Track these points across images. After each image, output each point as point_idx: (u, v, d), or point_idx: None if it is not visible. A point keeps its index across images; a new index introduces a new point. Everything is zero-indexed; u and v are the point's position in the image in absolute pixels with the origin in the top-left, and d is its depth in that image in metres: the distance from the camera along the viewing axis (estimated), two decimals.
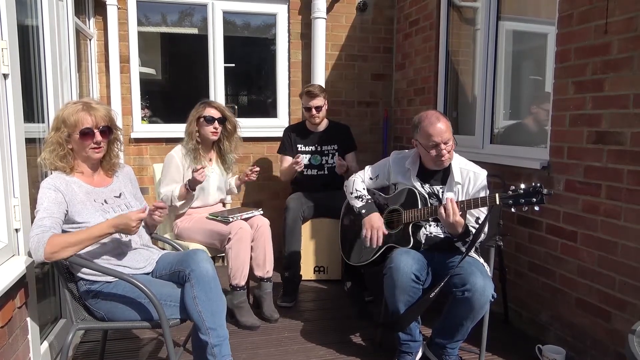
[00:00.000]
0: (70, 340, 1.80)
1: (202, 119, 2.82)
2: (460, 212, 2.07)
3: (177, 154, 2.82)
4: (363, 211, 2.37)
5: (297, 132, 3.51)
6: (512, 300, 2.85)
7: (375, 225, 2.30)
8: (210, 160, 2.95)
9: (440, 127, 2.17)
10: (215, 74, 4.00)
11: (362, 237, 2.35)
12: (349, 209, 2.68)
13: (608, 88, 2.19)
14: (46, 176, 1.91)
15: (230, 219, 2.72)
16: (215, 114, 2.83)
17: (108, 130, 1.93)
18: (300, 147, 3.48)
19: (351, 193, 2.48)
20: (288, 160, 3.43)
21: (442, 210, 2.07)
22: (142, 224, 2.03)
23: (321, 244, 3.53)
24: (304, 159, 3.45)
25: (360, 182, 2.49)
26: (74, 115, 1.84)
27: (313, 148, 3.48)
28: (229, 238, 2.66)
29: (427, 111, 2.28)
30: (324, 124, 3.51)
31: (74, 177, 1.91)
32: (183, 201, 2.78)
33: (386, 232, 2.32)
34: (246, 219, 2.81)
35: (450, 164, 2.28)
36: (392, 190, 2.45)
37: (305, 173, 3.47)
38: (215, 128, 2.83)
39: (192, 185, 2.69)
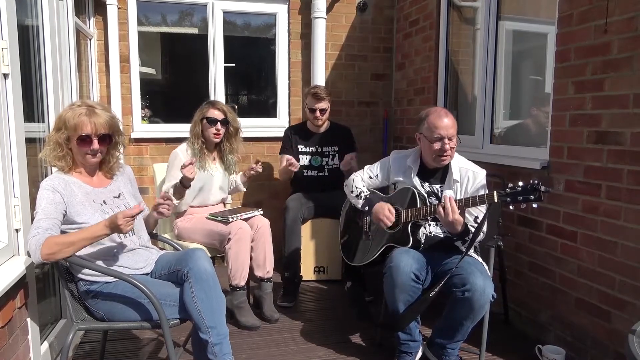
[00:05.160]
0: (71, 341, 1.80)
1: (205, 120, 2.83)
2: (460, 211, 2.07)
3: (182, 152, 2.83)
4: (366, 208, 2.38)
5: (298, 133, 3.51)
6: (512, 300, 2.85)
7: (385, 213, 2.26)
8: (214, 159, 2.96)
9: (447, 121, 2.18)
10: (215, 74, 4.00)
11: (367, 231, 2.36)
12: (349, 209, 2.68)
13: (608, 88, 2.19)
14: (47, 175, 1.91)
15: (230, 219, 2.72)
16: (219, 115, 2.83)
17: (108, 137, 1.92)
18: (301, 148, 3.47)
19: (352, 192, 2.49)
20: (286, 159, 3.43)
21: (441, 209, 2.07)
22: (137, 220, 1.99)
23: (321, 244, 3.53)
24: (305, 159, 3.45)
25: (360, 181, 2.50)
26: (75, 119, 1.83)
27: (314, 149, 3.48)
28: (229, 238, 2.66)
29: (436, 107, 2.29)
30: (325, 125, 3.51)
31: (73, 177, 1.91)
32: (180, 200, 2.75)
33: (393, 219, 2.29)
34: (246, 219, 2.81)
35: (449, 163, 2.29)
36: (391, 190, 2.45)
37: (305, 174, 3.46)
38: (217, 130, 2.83)
39: (184, 182, 2.64)
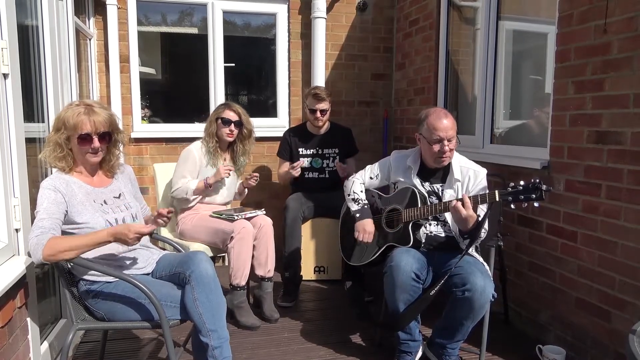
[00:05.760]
0: (71, 341, 1.80)
1: (219, 120, 2.90)
2: (473, 207, 2.06)
3: (197, 149, 2.90)
4: (357, 215, 2.41)
5: (298, 136, 3.49)
6: (512, 300, 2.85)
7: (367, 230, 2.37)
8: (225, 160, 3.01)
9: (446, 123, 2.18)
10: (215, 74, 4.00)
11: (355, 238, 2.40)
12: (348, 210, 2.68)
13: (608, 88, 2.19)
14: (47, 175, 1.91)
15: (235, 217, 2.74)
16: (233, 116, 2.91)
17: (108, 135, 1.92)
18: (301, 151, 3.47)
19: (349, 195, 2.49)
20: (286, 165, 3.44)
21: (459, 204, 2.04)
22: (138, 219, 2.04)
23: (321, 244, 3.53)
24: (305, 162, 3.44)
25: (359, 185, 2.49)
26: (74, 118, 1.83)
27: (314, 151, 3.47)
28: (232, 237, 2.67)
29: (435, 107, 2.28)
30: (325, 127, 3.50)
31: (73, 177, 1.91)
32: (197, 196, 2.87)
33: (370, 239, 2.38)
34: (249, 219, 2.82)
35: (450, 163, 2.29)
36: (391, 189, 2.45)
37: (306, 176, 3.45)
38: (230, 130, 2.90)
39: (214, 178, 2.81)
